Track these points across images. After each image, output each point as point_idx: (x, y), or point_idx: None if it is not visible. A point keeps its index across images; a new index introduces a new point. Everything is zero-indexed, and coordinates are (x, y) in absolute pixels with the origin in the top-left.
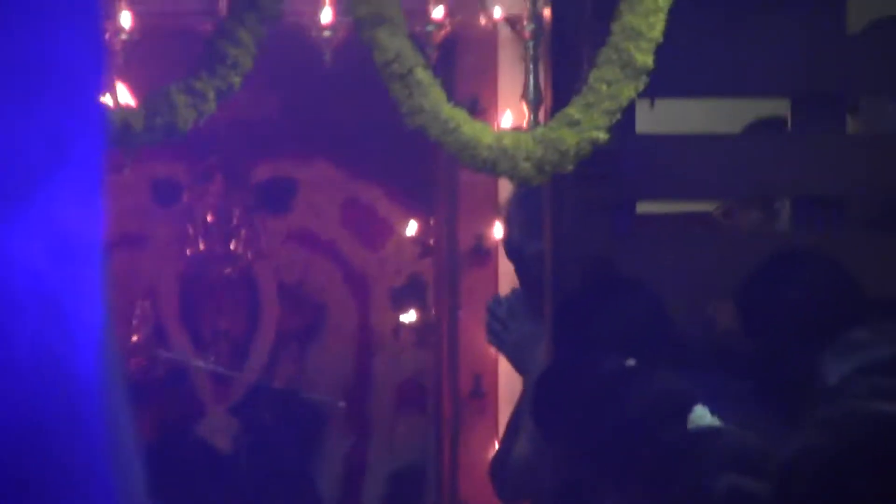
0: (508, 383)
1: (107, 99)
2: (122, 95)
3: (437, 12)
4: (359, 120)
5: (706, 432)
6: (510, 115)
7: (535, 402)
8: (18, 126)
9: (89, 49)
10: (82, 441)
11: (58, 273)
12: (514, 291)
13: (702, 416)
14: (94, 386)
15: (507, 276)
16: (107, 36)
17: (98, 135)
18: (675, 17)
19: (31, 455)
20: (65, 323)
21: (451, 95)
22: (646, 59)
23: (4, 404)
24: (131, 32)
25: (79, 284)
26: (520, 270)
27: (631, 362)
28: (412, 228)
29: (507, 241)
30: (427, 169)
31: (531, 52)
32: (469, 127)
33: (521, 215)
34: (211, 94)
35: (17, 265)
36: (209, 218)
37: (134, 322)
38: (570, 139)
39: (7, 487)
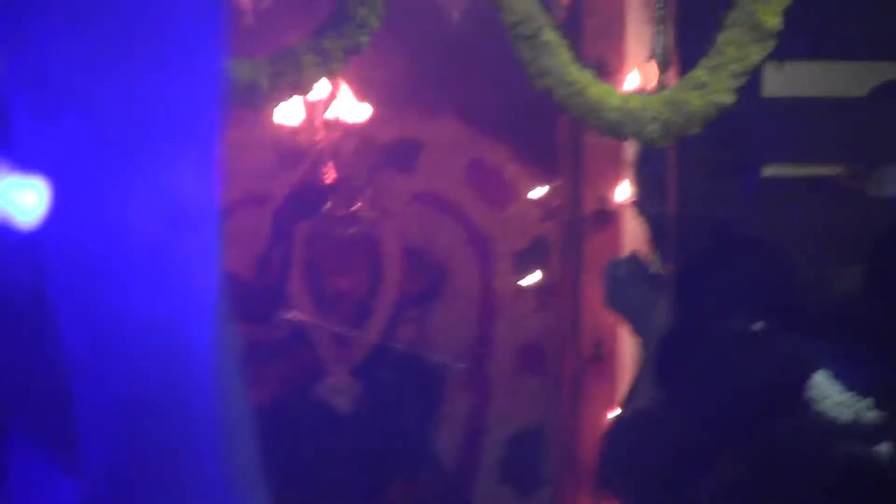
0: (630, 348)
1: (228, 63)
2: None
3: None
4: (485, 81)
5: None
6: (637, 77)
7: (658, 363)
8: (134, 94)
9: (206, 15)
10: (195, 412)
11: (173, 241)
12: (632, 254)
13: (824, 381)
14: (206, 360)
15: (630, 239)
16: None
17: (213, 104)
18: None
19: (145, 426)
20: (178, 295)
21: (578, 57)
22: (774, 22)
23: (120, 373)
24: None
25: (193, 253)
26: (650, 230)
27: (758, 325)
28: (537, 190)
29: (636, 201)
30: (552, 130)
31: (659, 13)
32: (595, 89)
33: (647, 176)
34: (338, 54)
35: (132, 233)
36: (334, 177)
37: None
38: (697, 102)
39: (124, 456)
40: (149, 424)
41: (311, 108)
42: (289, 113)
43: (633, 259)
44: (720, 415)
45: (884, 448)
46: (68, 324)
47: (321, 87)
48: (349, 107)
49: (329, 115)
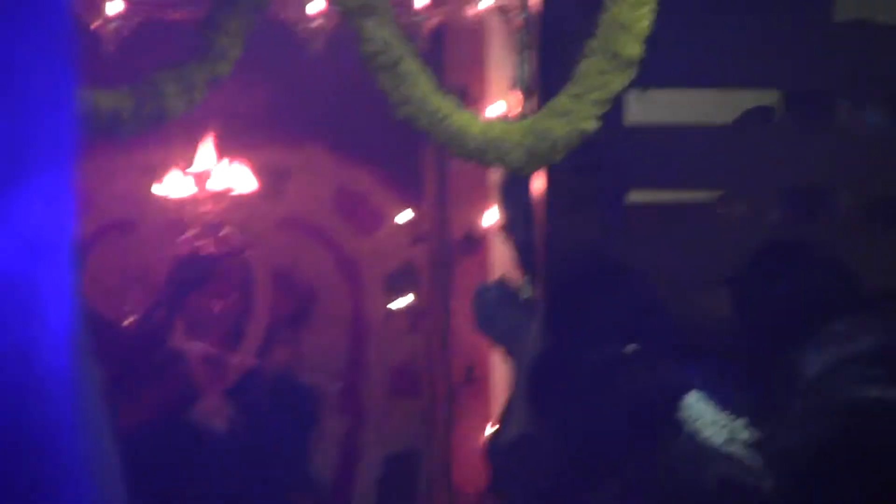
0: (502, 369)
1: (80, 96)
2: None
3: (426, 2)
4: (350, 107)
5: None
6: (500, 105)
7: (530, 386)
8: None
9: (55, 50)
10: (55, 441)
11: (28, 270)
12: (501, 279)
13: (697, 402)
14: (65, 383)
15: (498, 264)
16: (96, 24)
17: (68, 136)
18: (665, 7)
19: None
20: (35, 323)
21: (441, 85)
22: (634, 50)
23: None
24: (120, 20)
25: (49, 281)
26: (518, 254)
27: (630, 349)
28: (404, 215)
29: (503, 226)
30: (417, 157)
31: (522, 41)
32: (457, 117)
33: (513, 203)
34: (201, 83)
35: None
36: (203, 203)
37: (126, 307)
38: (559, 129)
39: None
40: (5, 455)
41: (198, 179)
42: (175, 185)
43: (502, 283)
44: (595, 437)
45: (755, 469)
46: None
47: (206, 158)
48: (235, 177)
49: (214, 186)
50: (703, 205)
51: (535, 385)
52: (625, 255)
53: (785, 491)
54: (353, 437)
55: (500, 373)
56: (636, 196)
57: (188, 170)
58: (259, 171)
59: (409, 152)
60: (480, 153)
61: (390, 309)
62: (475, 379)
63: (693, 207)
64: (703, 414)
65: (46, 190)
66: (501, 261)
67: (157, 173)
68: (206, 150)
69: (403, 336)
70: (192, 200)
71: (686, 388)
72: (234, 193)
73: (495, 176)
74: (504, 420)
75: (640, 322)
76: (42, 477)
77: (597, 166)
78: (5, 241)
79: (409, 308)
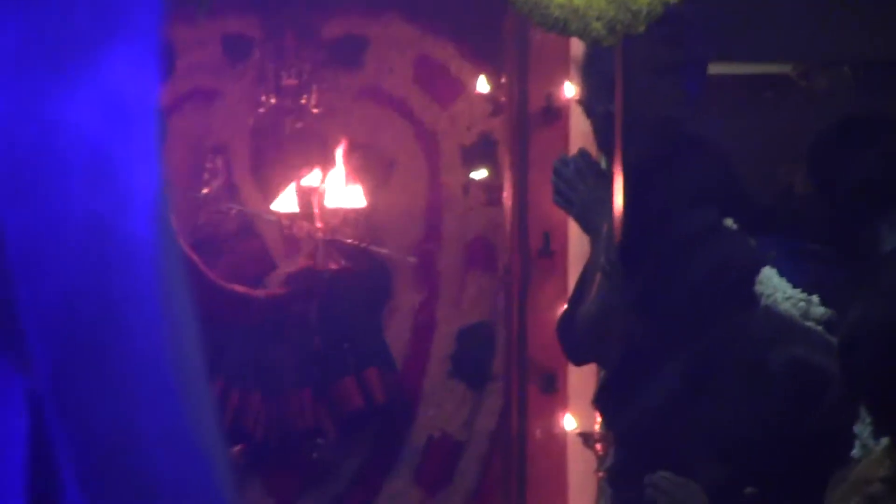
0: (578, 243)
1: None
2: None
3: None
4: None
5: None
6: None
7: (621, 256)
8: None
9: None
10: (137, 310)
11: (111, 138)
12: (580, 151)
13: (773, 276)
14: (147, 253)
15: (577, 136)
16: None
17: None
18: None
19: (88, 324)
20: (118, 189)
21: None
22: None
23: (60, 270)
24: None
25: (132, 148)
26: (596, 129)
27: (728, 222)
28: (483, 86)
29: (582, 99)
30: (498, 27)
31: None
32: None
33: (594, 74)
34: None
35: (67, 129)
36: (280, 73)
37: (205, 176)
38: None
39: (66, 349)
40: (91, 323)
41: (306, 195)
42: (286, 202)
43: (582, 156)
44: (673, 306)
45: (827, 347)
46: (5, 215)
47: (314, 176)
48: (342, 193)
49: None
50: (784, 77)
51: (624, 256)
52: (705, 128)
53: (855, 372)
54: (427, 310)
55: (576, 247)
56: (717, 68)
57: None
58: (336, 42)
59: (489, 21)
60: (563, 22)
61: (468, 180)
62: (551, 252)
63: (774, 79)
64: (779, 288)
65: (131, 53)
66: (580, 133)
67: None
68: (336, 170)
69: (480, 208)
70: (304, 216)
71: (763, 262)
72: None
73: (575, 46)
74: (578, 292)
75: (718, 195)
76: (125, 347)
77: (679, 37)
78: (89, 106)
79: (486, 180)
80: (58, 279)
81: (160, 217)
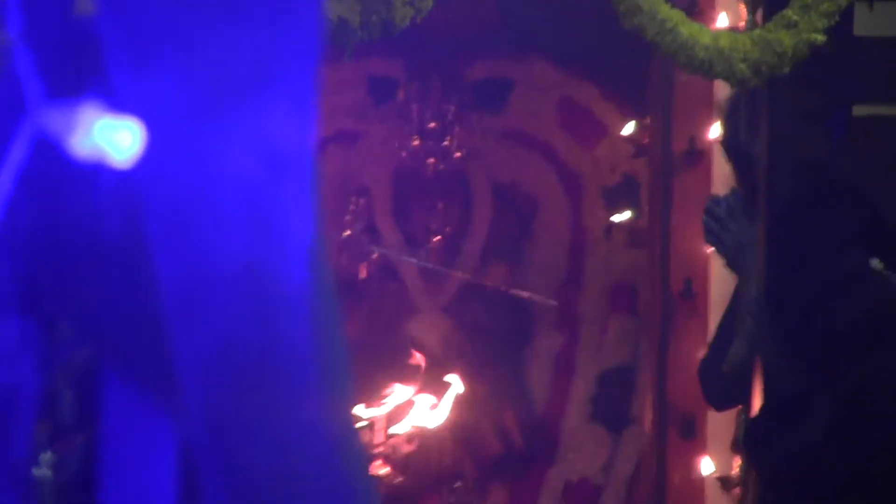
0: (720, 285)
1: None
2: None
3: None
4: (575, 19)
5: None
6: (727, 16)
7: (770, 298)
8: (227, 37)
9: None
10: (291, 354)
11: (269, 181)
12: (733, 191)
13: None
14: (303, 299)
15: (720, 178)
16: None
17: (311, 45)
18: None
19: (239, 363)
20: (274, 236)
21: None
22: None
23: (216, 313)
24: None
25: (289, 197)
26: (737, 170)
27: (875, 262)
28: (627, 128)
29: (725, 141)
30: (642, 69)
31: None
32: (686, 27)
33: (738, 116)
34: None
35: (226, 179)
36: (424, 115)
37: (347, 218)
38: (788, 41)
39: (220, 396)
40: (245, 364)
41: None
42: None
43: (734, 195)
44: (825, 348)
45: None
46: (164, 265)
47: (400, 395)
48: (425, 416)
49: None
50: None
51: (773, 299)
52: (849, 170)
53: None
54: (567, 354)
55: (718, 289)
56: (863, 109)
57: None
58: (480, 85)
59: (633, 63)
60: (708, 64)
61: (610, 223)
62: (693, 294)
63: None
64: None
65: (289, 101)
66: (723, 176)
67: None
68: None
69: (622, 251)
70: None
71: None
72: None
73: (719, 88)
74: (720, 336)
75: (864, 237)
76: (280, 395)
77: (824, 79)
78: (248, 154)
79: (628, 222)
80: (214, 328)
81: (316, 262)
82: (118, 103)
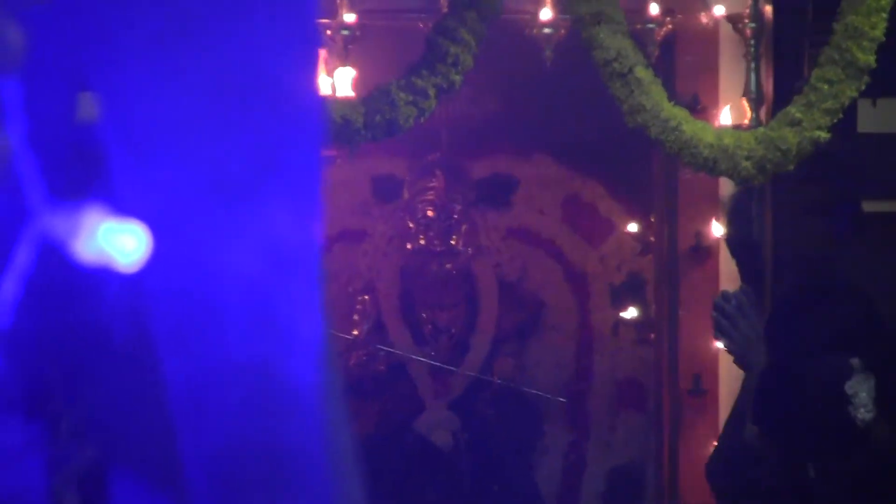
0: (729, 381)
1: (322, 99)
2: (342, 89)
3: (657, 10)
4: (578, 117)
5: None
6: (730, 114)
7: (756, 400)
8: (230, 139)
9: (299, 55)
10: (299, 450)
11: (272, 281)
12: (741, 288)
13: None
14: (310, 396)
15: (727, 275)
16: (328, 33)
17: (313, 142)
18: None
19: (247, 463)
20: (281, 336)
21: (672, 93)
22: (868, 59)
23: (221, 414)
24: (353, 28)
25: (294, 292)
26: (741, 264)
27: (855, 362)
28: (632, 226)
29: (728, 237)
30: (647, 166)
31: (752, 50)
32: (690, 126)
33: (742, 214)
34: (432, 92)
35: (232, 278)
36: (429, 213)
37: (355, 317)
38: (792, 138)
39: (227, 497)
40: (253, 464)
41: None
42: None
43: (744, 292)
44: (816, 447)
45: None
46: (170, 366)
47: None
48: None
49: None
50: None
51: (762, 397)
52: (855, 267)
53: None
54: (577, 451)
55: (727, 386)
56: (868, 206)
57: None
58: (485, 182)
59: (637, 161)
60: (713, 162)
61: (617, 320)
62: (703, 391)
63: None
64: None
65: (295, 197)
66: (730, 272)
67: (385, 182)
68: None
69: (630, 347)
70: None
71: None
72: None
73: (723, 185)
74: (727, 433)
75: (864, 339)
76: (291, 494)
77: (828, 176)
78: (254, 252)
79: (635, 319)
80: (221, 429)
81: (323, 362)
82: (122, 207)
